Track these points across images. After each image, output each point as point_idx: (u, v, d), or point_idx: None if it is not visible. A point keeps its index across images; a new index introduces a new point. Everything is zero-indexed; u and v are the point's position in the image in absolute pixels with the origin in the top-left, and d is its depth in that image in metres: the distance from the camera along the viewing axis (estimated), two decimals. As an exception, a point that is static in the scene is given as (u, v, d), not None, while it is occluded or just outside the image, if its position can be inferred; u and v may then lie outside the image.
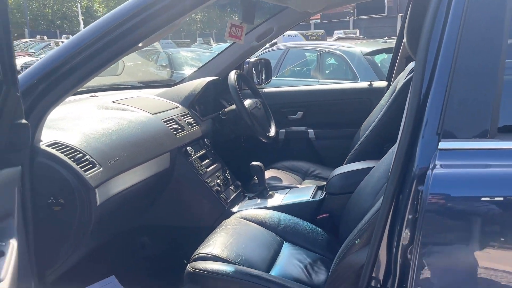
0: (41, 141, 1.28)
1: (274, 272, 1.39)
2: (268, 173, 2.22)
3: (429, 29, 0.90)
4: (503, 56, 0.89)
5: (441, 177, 0.86)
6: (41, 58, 1.51)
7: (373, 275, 0.98)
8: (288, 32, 7.83)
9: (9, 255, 0.91)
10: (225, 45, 6.09)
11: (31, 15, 24.43)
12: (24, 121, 1.02)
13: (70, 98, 1.97)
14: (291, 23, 2.38)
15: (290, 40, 8.10)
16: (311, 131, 2.56)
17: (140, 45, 1.26)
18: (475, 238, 0.87)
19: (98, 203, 1.33)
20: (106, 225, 1.54)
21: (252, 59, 2.71)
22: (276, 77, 6.10)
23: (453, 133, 0.90)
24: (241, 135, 2.36)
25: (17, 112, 0.98)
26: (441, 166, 0.87)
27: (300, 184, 2.17)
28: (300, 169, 2.35)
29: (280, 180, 2.17)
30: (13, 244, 0.94)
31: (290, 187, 2.03)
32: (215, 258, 1.34)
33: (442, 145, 0.89)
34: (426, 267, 0.88)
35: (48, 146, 1.28)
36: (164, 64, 7.90)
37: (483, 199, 0.86)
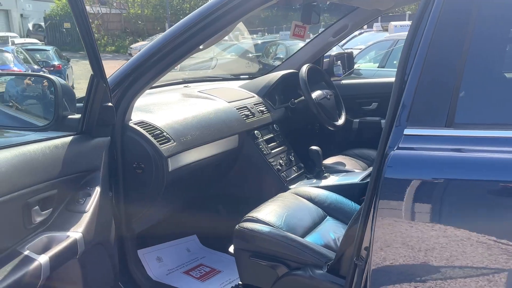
0: (131, 120, 1.72)
1: (309, 238, 1.65)
2: (336, 159, 2.45)
3: (414, 27, 1.08)
4: (463, 56, 1.05)
5: (397, 156, 1.06)
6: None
7: (362, 245, 1.18)
8: (400, 23, 7.65)
9: (93, 196, 1.33)
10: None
11: (172, 10, 26.88)
12: (110, 104, 1.45)
13: (169, 87, 2.45)
14: (364, 20, 2.55)
15: (402, 31, 7.91)
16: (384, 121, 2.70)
17: (200, 47, 1.61)
18: (424, 213, 1.04)
19: (170, 169, 1.73)
20: (180, 189, 1.94)
21: (333, 52, 2.93)
22: (383, 67, 6.10)
23: (418, 122, 1.08)
24: (311, 123, 2.61)
25: (104, 97, 1.41)
26: (400, 148, 1.06)
27: (365, 170, 2.36)
28: (369, 157, 2.53)
29: (343, 165, 2.39)
30: (97, 189, 1.36)
31: (347, 171, 2.24)
32: (259, 221, 1.63)
33: (407, 131, 1.09)
34: (381, 241, 1.07)
35: (135, 124, 1.71)
36: (282, 56, 8.30)
37: (433, 179, 1.04)
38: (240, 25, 3.33)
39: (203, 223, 2.26)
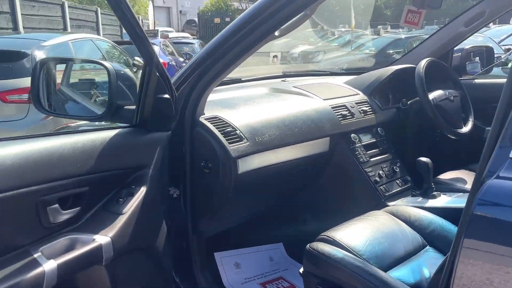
0: (203, 114, 1.57)
1: (397, 272, 1.33)
2: (456, 174, 2.02)
3: None
4: None
5: (493, 188, 0.73)
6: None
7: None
8: None
9: (136, 196, 1.21)
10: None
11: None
12: (166, 96, 1.30)
13: (263, 82, 2.25)
14: (507, 6, 2.04)
15: None
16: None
17: (276, 33, 1.38)
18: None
19: (239, 171, 1.54)
20: (255, 194, 1.75)
21: (467, 46, 2.44)
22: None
23: None
24: (428, 129, 2.19)
25: (158, 88, 1.27)
26: (501, 177, 0.73)
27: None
28: (502, 175, 2.03)
29: (463, 182, 1.94)
30: (143, 189, 1.23)
31: (464, 191, 1.81)
32: (335, 242, 1.36)
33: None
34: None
35: (207, 119, 1.56)
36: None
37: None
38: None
39: (288, 232, 2.04)
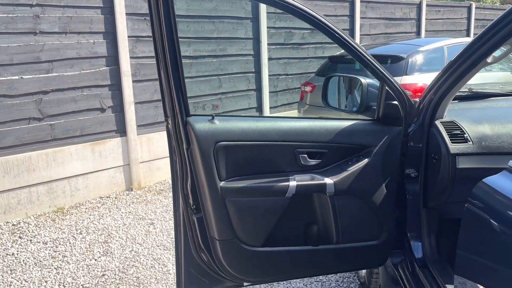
0: (443, 118, 2.08)
1: None
2: None
3: None
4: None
5: None
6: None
7: None
8: None
9: (359, 163, 1.94)
10: None
11: None
12: (394, 102, 1.95)
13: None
14: None
15: None
16: None
17: (488, 60, 1.73)
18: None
19: (458, 166, 1.98)
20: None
21: None
22: None
23: None
24: None
25: (387, 97, 1.93)
26: None
27: None
28: None
29: None
30: (365, 160, 1.95)
31: None
32: None
33: None
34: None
35: (442, 122, 2.05)
36: None
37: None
38: None
39: None
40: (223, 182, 1.85)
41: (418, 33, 8.41)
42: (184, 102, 1.78)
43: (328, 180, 1.93)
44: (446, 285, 1.94)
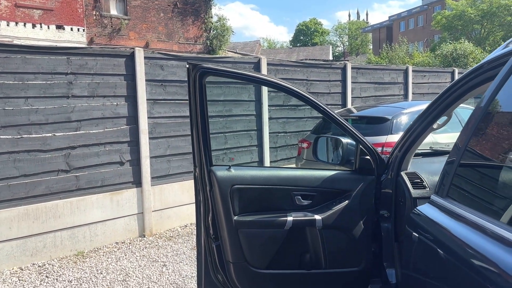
0: (407, 170, 2.68)
1: None
2: None
3: None
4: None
5: None
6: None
7: None
8: None
9: (341, 205, 2.52)
10: None
11: None
12: (367, 157, 2.56)
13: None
14: None
15: None
16: None
17: (434, 126, 2.36)
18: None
19: (417, 206, 2.55)
20: None
21: None
22: None
23: None
24: None
25: (361, 153, 2.54)
26: None
27: None
28: None
29: None
30: (346, 201, 2.53)
31: None
32: None
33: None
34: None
35: (406, 173, 2.65)
36: None
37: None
38: None
39: None
40: (236, 216, 2.42)
41: (405, 95, 9.21)
42: (209, 155, 2.39)
43: (318, 217, 2.49)
44: None
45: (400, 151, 2.64)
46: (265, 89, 6.80)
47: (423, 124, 2.41)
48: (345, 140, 2.68)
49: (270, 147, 6.98)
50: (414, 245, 1.89)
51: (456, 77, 10.28)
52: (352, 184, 2.60)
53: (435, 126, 2.39)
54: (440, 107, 2.28)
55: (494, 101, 1.59)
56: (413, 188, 2.57)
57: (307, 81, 7.48)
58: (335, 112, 2.52)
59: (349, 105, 7.92)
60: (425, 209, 1.79)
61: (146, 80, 5.64)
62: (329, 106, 2.50)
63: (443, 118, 2.39)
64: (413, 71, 9.32)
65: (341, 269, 2.59)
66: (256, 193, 2.46)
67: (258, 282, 2.48)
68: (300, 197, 2.53)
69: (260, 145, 6.87)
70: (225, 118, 6.48)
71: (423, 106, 6.37)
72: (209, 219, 2.45)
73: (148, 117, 5.65)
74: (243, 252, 2.43)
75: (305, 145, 6.57)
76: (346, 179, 2.61)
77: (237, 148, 6.64)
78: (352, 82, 8.12)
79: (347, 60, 8.94)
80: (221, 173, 2.40)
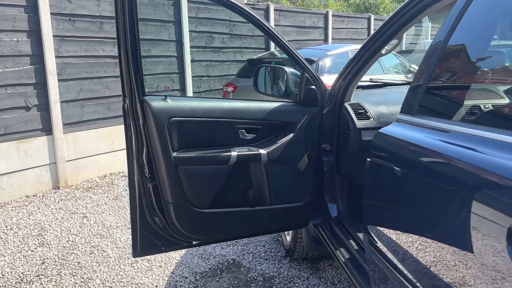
0: (350, 101, 2.57)
1: None
2: None
3: None
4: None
5: None
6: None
7: None
8: None
9: (287, 137, 2.36)
10: None
11: None
12: (312, 87, 2.40)
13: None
14: None
15: None
16: None
17: (382, 52, 2.24)
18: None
19: (362, 138, 2.47)
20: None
21: None
22: None
23: None
24: None
25: (307, 83, 2.38)
26: None
27: None
28: None
29: None
30: (291, 134, 2.38)
31: None
32: None
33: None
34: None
35: (349, 104, 2.54)
36: None
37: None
38: None
39: None
40: (175, 152, 2.16)
41: (325, 40, 9.23)
42: (141, 83, 2.07)
43: (262, 151, 2.32)
44: (357, 233, 2.42)
45: (344, 81, 2.52)
46: (186, 29, 6.36)
47: (371, 50, 2.29)
48: (289, 70, 2.50)
49: (193, 92, 6.64)
50: (374, 170, 1.79)
51: (372, 23, 10.50)
52: (296, 116, 2.44)
53: (383, 51, 2.28)
54: (391, 30, 2.15)
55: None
56: (358, 119, 2.48)
57: (230, 22, 7.13)
58: (283, 37, 2.31)
59: (272, 49, 7.75)
60: (392, 129, 1.68)
61: (51, 14, 4.94)
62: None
63: (391, 43, 2.28)
64: (333, 15, 9.32)
65: (285, 205, 2.48)
66: (197, 126, 2.21)
67: (201, 222, 2.28)
68: (244, 130, 2.33)
69: (182, 90, 6.50)
70: (144, 59, 5.98)
71: (346, 48, 6.38)
72: (144, 156, 2.17)
73: (56, 56, 5.02)
74: (184, 191, 2.20)
75: (230, 89, 6.34)
76: (291, 111, 2.45)
77: (158, 93, 6.21)
78: (275, 25, 7.91)
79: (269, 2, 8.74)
80: (156, 103, 2.11)
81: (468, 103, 1.46)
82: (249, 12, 2.16)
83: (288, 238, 3.31)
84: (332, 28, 9.28)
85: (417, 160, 1.45)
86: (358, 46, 6.45)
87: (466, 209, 1.15)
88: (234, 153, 2.25)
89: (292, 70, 2.51)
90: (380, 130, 1.75)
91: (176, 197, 2.18)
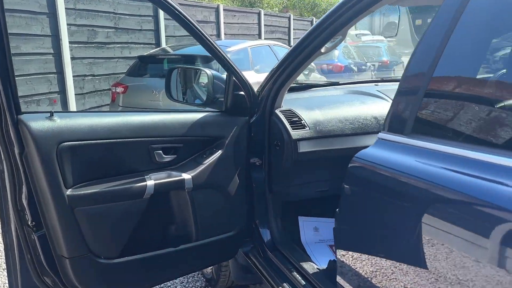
0: (281, 107, 2.18)
1: None
2: None
3: None
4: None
5: None
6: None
7: None
8: None
9: (215, 155, 1.90)
10: None
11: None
12: (241, 93, 1.97)
13: (355, 85, 2.73)
14: None
15: None
16: None
17: (322, 50, 1.90)
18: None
19: (299, 150, 2.11)
20: (313, 170, 2.25)
21: None
22: None
23: None
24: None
25: (235, 88, 1.94)
26: None
27: None
28: None
29: None
30: (220, 152, 1.92)
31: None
32: None
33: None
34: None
35: (281, 111, 2.16)
36: None
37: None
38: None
39: None
40: (70, 189, 1.58)
41: (218, 35, 8.84)
42: (14, 98, 1.45)
43: (186, 176, 1.84)
44: (300, 263, 2.06)
45: (274, 84, 2.13)
46: (63, 22, 5.49)
47: (308, 49, 1.92)
48: (210, 72, 2.04)
49: (76, 94, 5.78)
50: (357, 209, 1.40)
51: (263, 18, 10.38)
52: (224, 128, 2.00)
53: (323, 50, 1.94)
54: (333, 27, 1.81)
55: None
56: (292, 129, 2.11)
57: (114, 15, 6.36)
58: (208, 34, 1.84)
59: (163, 45, 7.14)
60: (377, 154, 1.28)
61: None
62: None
63: (333, 40, 1.95)
64: (224, 9, 8.96)
65: (215, 237, 2.03)
66: (99, 151, 1.65)
67: (110, 277, 1.73)
68: (161, 151, 1.82)
69: (62, 91, 5.61)
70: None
71: (245, 44, 6.05)
72: (23, 198, 1.55)
73: None
74: (85, 239, 1.63)
75: (120, 89, 5.62)
76: (217, 122, 1.99)
77: (32, 97, 5.27)
78: (165, 19, 7.30)
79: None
80: (38, 124, 1.50)
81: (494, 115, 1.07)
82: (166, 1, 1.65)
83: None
84: (224, 23, 8.93)
85: (426, 200, 1.08)
86: (257, 42, 6.17)
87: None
88: (150, 182, 1.73)
89: (214, 72, 2.05)
90: (359, 155, 1.36)
91: (74, 250, 1.60)
